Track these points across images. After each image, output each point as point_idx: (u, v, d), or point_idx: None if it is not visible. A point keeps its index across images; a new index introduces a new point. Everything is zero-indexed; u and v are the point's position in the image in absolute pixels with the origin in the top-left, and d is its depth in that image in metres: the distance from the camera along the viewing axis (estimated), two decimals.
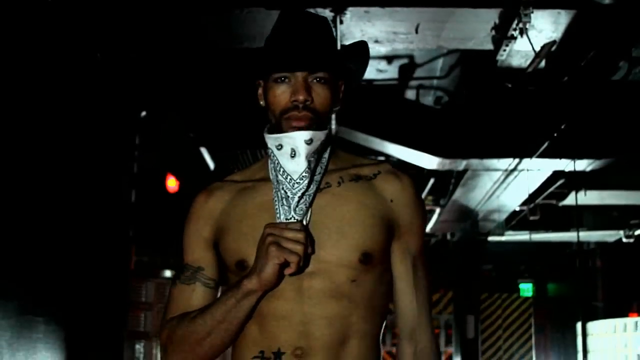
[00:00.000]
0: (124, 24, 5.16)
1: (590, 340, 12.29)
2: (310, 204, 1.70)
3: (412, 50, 7.15)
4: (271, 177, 1.74)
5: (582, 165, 7.82)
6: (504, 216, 10.87)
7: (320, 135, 1.71)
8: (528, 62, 5.46)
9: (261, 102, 1.81)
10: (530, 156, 7.58)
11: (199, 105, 7.33)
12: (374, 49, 5.64)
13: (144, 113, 6.26)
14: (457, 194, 9.53)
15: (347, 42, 4.86)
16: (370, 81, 7.90)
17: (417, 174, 8.88)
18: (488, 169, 8.28)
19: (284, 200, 1.69)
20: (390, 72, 7.63)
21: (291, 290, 1.67)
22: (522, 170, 8.10)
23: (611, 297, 13.44)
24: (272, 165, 1.74)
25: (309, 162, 1.69)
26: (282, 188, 1.70)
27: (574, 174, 8.15)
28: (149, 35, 5.39)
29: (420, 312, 1.78)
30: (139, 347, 6.75)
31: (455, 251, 12.21)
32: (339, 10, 4.95)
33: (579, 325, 12.80)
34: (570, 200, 9.50)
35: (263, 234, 1.61)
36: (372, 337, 1.72)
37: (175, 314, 1.77)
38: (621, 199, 9.95)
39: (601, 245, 13.32)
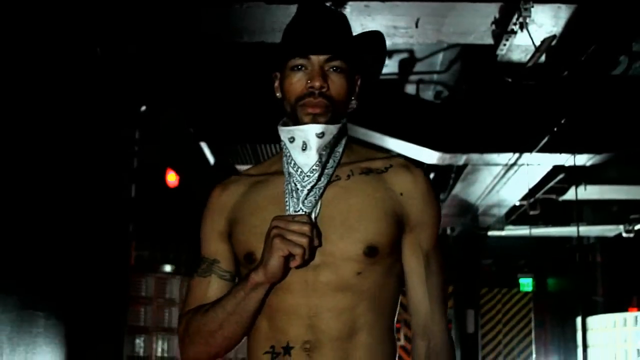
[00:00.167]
0: (124, 18, 5.16)
1: (590, 335, 12.31)
2: (320, 197, 1.70)
3: (412, 45, 7.13)
4: (284, 169, 1.75)
5: (582, 159, 7.82)
6: (504, 211, 10.87)
7: (332, 129, 1.71)
8: (528, 57, 5.45)
9: (277, 94, 1.82)
10: (530, 151, 7.58)
11: (199, 100, 7.32)
12: None
13: (143, 108, 6.25)
14: (457, 189, 9.53)
15: None
16: None
17: None
18: (488, 164, 8.28)
19: (293, 192, 1.70)
20: (390, 66, 7.62)
21: (298, 283, 1.67)
22: (522, 164, 8.09)
23: (611, 291, 13.45)
24: (285, 158, 1.74)
25: (320, 155, 1.70)
26: (293, 181, 1.70)
27: (574, 168, 8.15)
28: (149, 30, 5.38)
29: (432, 307, 1.76)
30: (139, 341, 6.77)
31: (455, 246, 12.20)
32: (339, 4, 4.94)
33: (578, 319, 12.82)
34: (570, 195, 9.49)
35: (269, 227, 1.62)
36: (383, 329, 1.72)
37: (192, 306, 1.80)
38: (621, 194, 9.95)
39: (601, 240, 13.32)
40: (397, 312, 1.78)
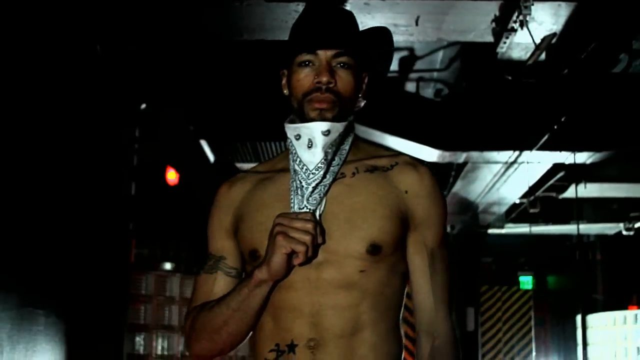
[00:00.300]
0: (124, 16, 5.15)
1: (590, 333, 12.30)
2: (325, 195, 1.70)
3: (412, 43, 7.13)
4: (290, 167, 1.75)
5: (582, 157, 7.82)
6: (504, 209, 10.87)
7: (338, 127, 1.71)
8: (528, 55, 5.45)
9: (285, 91, 1.82)
10: (530, 149, 7.57)
11: (199, 98, 7.31)
12: None
13: (143, 105, 6.25)
14: (457, 187, 9.53)
15: None
16: None
17: None
18: (488, 162, 8.28)
19: (298, 190, 1.70)
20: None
21: (301, 281, 1.67)
22: (522, 162, 8.09)
23: (611, 289, 13.44)
24: (291, 155, 1.75)
25: (325, 153, 1.70)
26: (298, 178, 1.71)
27: (574, 166, 8.14)
28: (149, 28, 5.38)
29: (437, 306, 1.75)
30: (139, 339, 6.77)
31: (455, 244, 12.20)
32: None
33: (578, 317, 12.80)
34: (570, 192, 9.49)
35: (273, 224, 1.62)
36: (387, 327, 1.71)
37: (198, 302, 1.80)
38: (621, 192, 9.94)
39: (601, 237, 13.31)
40: (402, 310, 1.78)
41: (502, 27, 5.16)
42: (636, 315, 11.23)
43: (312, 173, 1.69)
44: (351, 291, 1.67)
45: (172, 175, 7.24)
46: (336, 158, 1.74)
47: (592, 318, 12.32)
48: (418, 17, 5.18)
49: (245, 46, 5.76)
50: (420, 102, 8.02)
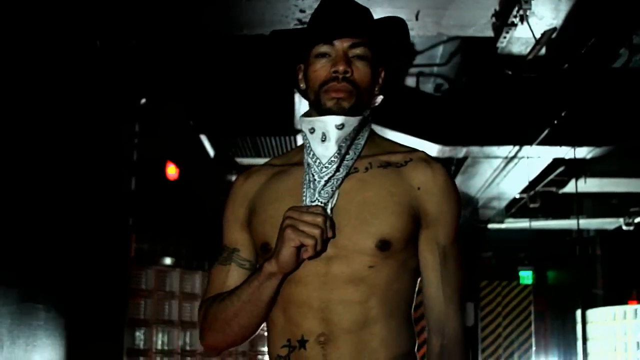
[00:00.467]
0: (124, 11, 5.15)
1: (589, 328, 12.31)
2: (337, 188, 1.70)
3: (412, 37, 7.12)
4: (304, 160, 1.75)
5: (582, 152, 7.82)
6: (504, 204, 10.87)
7: (353, 121, 1.71)
8: (528, 49, 5.45)
9: (301, 85, 1.83)
10: (530, 143, 7.58)
11: (199, 93, 7.31)
12: None
13: (143, 101, 6.24)
14: (457, 182, 9.48)
15: None
16: None
17: None
18: (488, 157, 8.28)
19: (311, 183, 1.70)
20: None
21: (311, 275, 1.67)
22: (522, 157, 8.10)
23: (611, 284, 13.44)
24: (305, 149, 1.75)
25: (339, 147, 1.70)
26: (311, 171, 1.70)
27: (574, 161, 8.15)
28: (149, 23, 5.38)
29: (447, 304, 1.75)
30: (139, 334, 6.77)
31: None
32: None
33: (578, 312, 12.82)
34: (570, 187, 9.49)
35: (283, 217, 1.63)
36: (398, 321, 1.71)
37: (211, 294, 1.81)
38: (621, 187, 9.94)
39: (601, 232, 13.31)
40: (413, 305, 1.77)
41: (502, 22, 5.15)
42: (636, 310, 11.24)
43: (325, 167, 1.69)
44: (360, 286, 1.67)
45: (172, 170, 7.24)
46: (350, 152, 1.73)
47: (592, 313, 12.34)
48: (418, 12, 5.18)
49: (246, 41, 5.76)
50: (420, 96, 8.03)
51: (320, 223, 1.60)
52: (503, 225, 12.00)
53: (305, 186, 1.71)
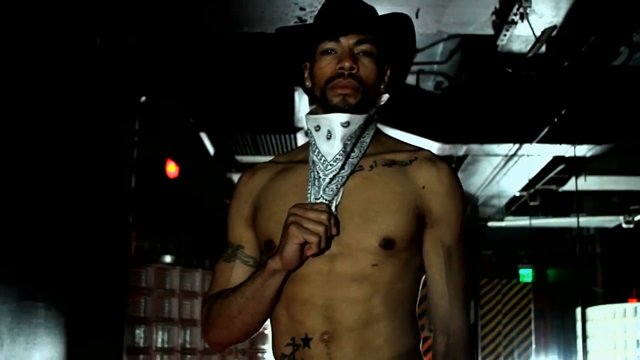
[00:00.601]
0: (123, 8, 5.15)
1: (589, 326, 12.33)
2: (342, 186, 1.70)
3: None
4: (309, 158, 1.75)
5: (582, 150, 7.82)
6: (503, 202, 10.88)
7: (358, 119, 1.71)
8: (528, 47, 5.45)
9: (307, 83, 1.83)
10: (531, 141, 7.58)
11: (199, 91, 7.31)
12: None
13: (143, 98, 6.24)
14: None
15: None
16: None
17: None
18: (488, 155, 8.28)
19: (315, 181, 1.70)
20: None
21: (314, 273, 1.67)
22: (522, 155, 8.10)
23: (611, 282, 13.45)
24: (311, 146, 1.75)
25: (344, 144, 1.70)
26: (316, 169, 1.71)
27: (574, 159, 8.15)
28: (149, 20, 5.38)
29: (452, 304, 1.74)
30: (139, 332, 6.77)
31: None
32: None
33: (578, 310, 12.83)
34: (570, 185, 9.49)
35: (287, 214, 1.63)
36: (401, 319, 1.70)
37: (215, 290, 1.81)
38: (621, 185, 9.94)
39: (601, 230, 13.32)
40: (417, 304, 1.77)
41: (502, 20, 5.15)
42: (636, 308, 11.24)
43: (330, 164, 1.69)
44: (363, 284, 1.67)
45: (172, 168, 7.24)
46: (355, 150, 1.73)
47: (591, 311, 12.35)
48: (418, 10, 5.17)
49: (246, 39, 5.75)
50: (420, 94, 8.02)
51: (324, 220, 1.60)
52: (503, 223, 12.01)
53: (310, 183, 1.71)
